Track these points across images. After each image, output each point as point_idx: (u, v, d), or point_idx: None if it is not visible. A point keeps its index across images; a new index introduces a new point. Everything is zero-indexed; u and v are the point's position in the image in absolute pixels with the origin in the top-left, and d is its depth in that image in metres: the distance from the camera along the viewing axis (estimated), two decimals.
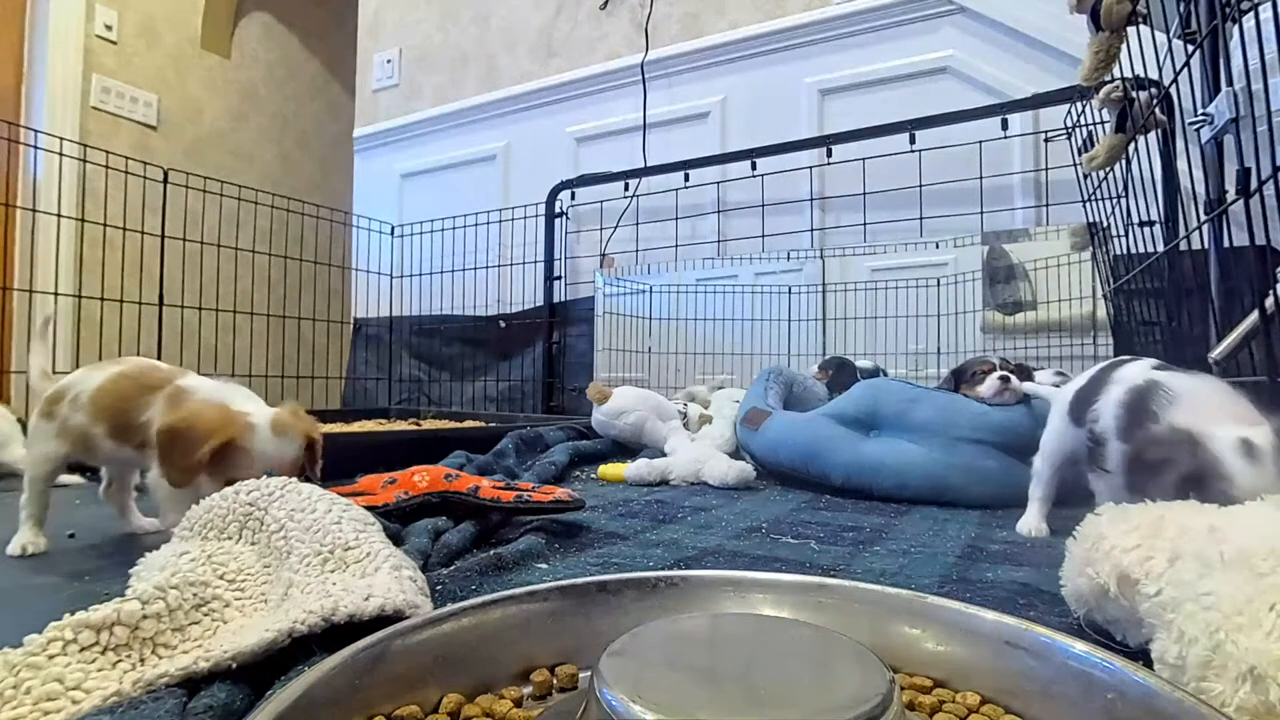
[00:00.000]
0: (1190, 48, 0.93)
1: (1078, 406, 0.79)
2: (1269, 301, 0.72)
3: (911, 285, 1.71)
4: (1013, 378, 1.14)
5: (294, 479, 0.63)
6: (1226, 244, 1.12)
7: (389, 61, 2.79)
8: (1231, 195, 0.70)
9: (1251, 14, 0.77)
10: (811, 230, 1.91)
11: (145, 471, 0.76)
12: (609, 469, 1.30)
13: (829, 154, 1.78)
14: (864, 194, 1.78)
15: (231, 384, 0.77)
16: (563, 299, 2.30)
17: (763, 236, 1.95)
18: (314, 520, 0.55)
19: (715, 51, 2.09)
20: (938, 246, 1.68)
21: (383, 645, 0.37)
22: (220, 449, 0.69)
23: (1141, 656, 0.40)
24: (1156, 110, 0.99)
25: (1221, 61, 0.99)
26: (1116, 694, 0.32)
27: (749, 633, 0.37)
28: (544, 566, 0.70)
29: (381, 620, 0.43)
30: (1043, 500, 0.88)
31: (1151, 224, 1.05)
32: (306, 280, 2.37)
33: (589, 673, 0.32)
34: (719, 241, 2.04)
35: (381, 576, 0.49)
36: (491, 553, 0.70)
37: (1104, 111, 1.10)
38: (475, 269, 2.46)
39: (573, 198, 2.28)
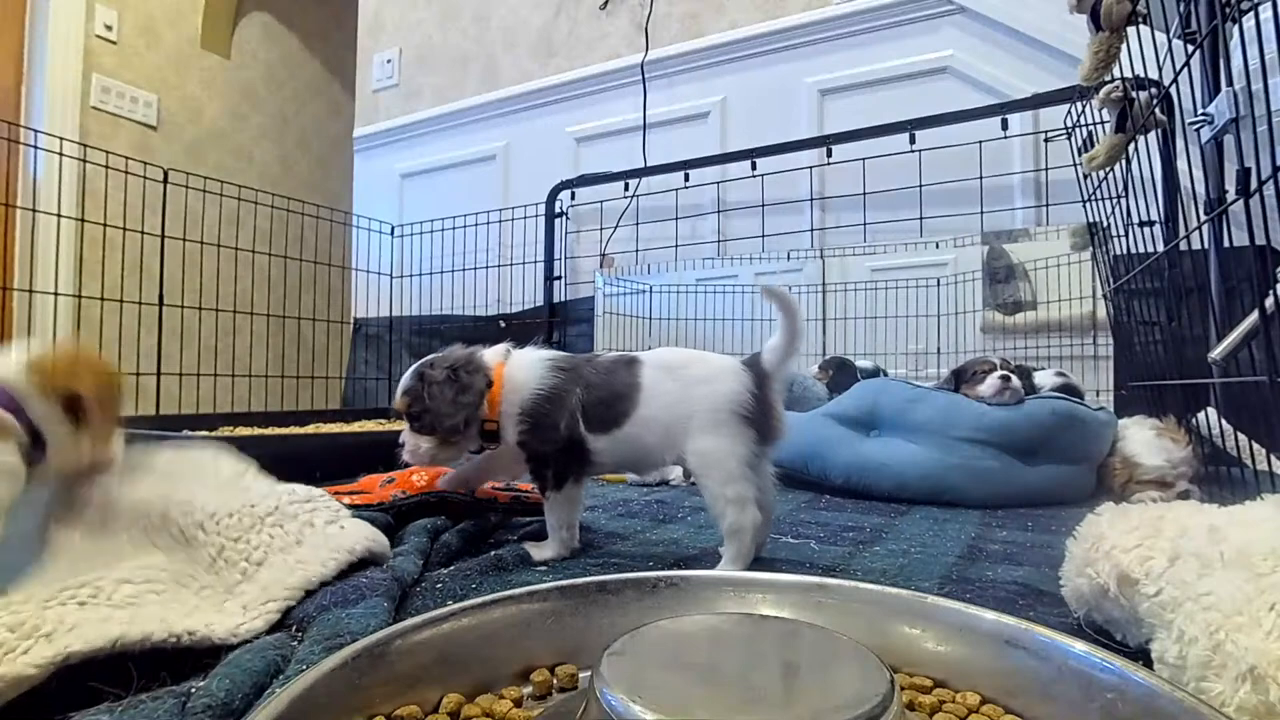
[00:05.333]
0: (1190, 48, 0.93)
1: None
2: (1269, 301, 0.72)
3: (911, 285, 1.71)
4: (1013, 377, 1.14)
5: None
6: (1226, 244, 1.12)
7: (389, 61, 2.79)
8: (1231, 195, 0.70)
9: (1251, 14, 0.77)
10: (811, 230, 1.91)
11: None
12: None
13: (829, 154, 1.78)
14: (864, 194, 1.78)
15: None
16: (563, 299, 2.30)
17: (763, 236, 1.95)
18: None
19: (715, 51, 2.09)
20: (938, 246, 1.68)
21: (383, 645, 0.37)
22: None
23: (1141, 656, 0.40)
24: (1156, 110, 0.99)
25: (1221, 61, 1.00)
26: (1116, 694, 0.32)
27: (749, 633, 0.37)
28: (544, 566, 0.70)
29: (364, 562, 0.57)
30: None
31: (1151, 224, 1.05)
32: (306, 280, 2.36)
33: (589, 673, 0.32)
34: (719, 241, 2.04)
35: (349, 522, 0.61)
36: (492, 553, 0.70)
37: (1104, 111, 1.10)
38: (475, 269, 2.46)
39: (573, 198, 2.28)
